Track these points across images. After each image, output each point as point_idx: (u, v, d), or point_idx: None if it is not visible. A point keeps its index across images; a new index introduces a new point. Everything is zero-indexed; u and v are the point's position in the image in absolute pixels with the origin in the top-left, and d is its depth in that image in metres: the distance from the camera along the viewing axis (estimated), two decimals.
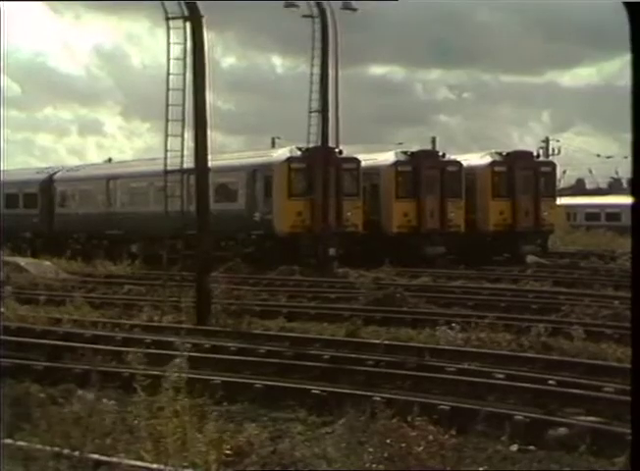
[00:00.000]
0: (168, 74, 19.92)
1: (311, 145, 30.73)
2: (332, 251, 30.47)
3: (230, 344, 14.46)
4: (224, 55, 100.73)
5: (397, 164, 33.75)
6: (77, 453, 7.17)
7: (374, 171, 33.48)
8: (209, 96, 18.58)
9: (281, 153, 33.07)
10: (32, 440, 7.65)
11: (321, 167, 30.47)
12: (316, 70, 30.15)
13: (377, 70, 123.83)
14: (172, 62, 19.83)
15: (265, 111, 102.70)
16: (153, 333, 16.13)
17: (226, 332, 16.21)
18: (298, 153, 31.74)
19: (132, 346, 13.40)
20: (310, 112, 30.22)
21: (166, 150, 20.44)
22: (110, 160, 51.42)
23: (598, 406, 9.68)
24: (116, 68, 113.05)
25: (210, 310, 17.78)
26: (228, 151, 37.96)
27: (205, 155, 18.44)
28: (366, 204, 32.91)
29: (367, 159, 33.56)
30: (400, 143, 56.85)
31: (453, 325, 15.35)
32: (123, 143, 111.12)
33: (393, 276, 26.40)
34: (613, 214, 49.36)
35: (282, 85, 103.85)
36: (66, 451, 7.18)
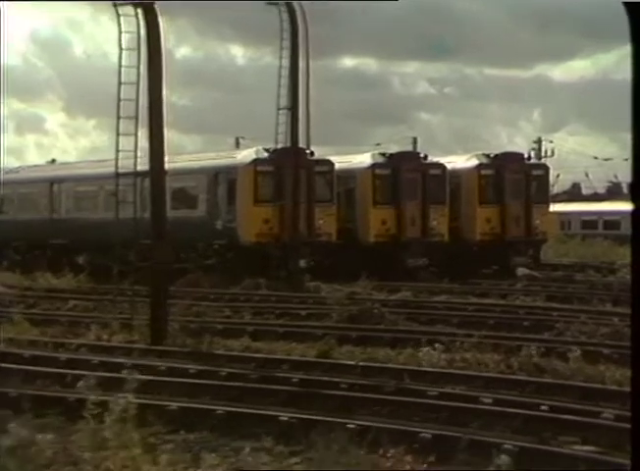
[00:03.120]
0: (120, 66, 19.88)
1: (279, 146, 30.86)
2: (302, 263, 30.64)
3: (188, 366, 14.50)
4: (178, 45, 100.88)
5: (374, 167, 33.92)
6: None
7: (349, 174, 33.68)
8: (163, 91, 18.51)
9: (246, 154, 33.15)
10: None
11: (290, 170, 30.67)
12: (285, 62, 30.33)
13: (348, 62, 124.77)
14: (124, 53, 19.79)
15: (226, 107, 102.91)
16: (101, 353, 16.10)
17: (184, 352, 16.26)
18: (265, 154, 31.86)
19: (77, 369, 13.41)
20: (278, 109, 30.35)
21: (117, 150, 20.36)
22: (54, 161, 51.23)
23: (595, 434, 9.74)
24: (56, 57, 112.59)
25: (166, 329, 17.86)
26: (186, 152, 38.25)
27: (161, 156, 18.45)
28: (340, 211, 33.13)
29: (341, 161, 33.68)
30: (378, 144, 58.43)
31: (436, 344, 15.45)
32: (66, 143, 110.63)
33: (369, 290, 26.60)
34: (611, 222, 49.71)
35: (244, 79, 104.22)
36: None
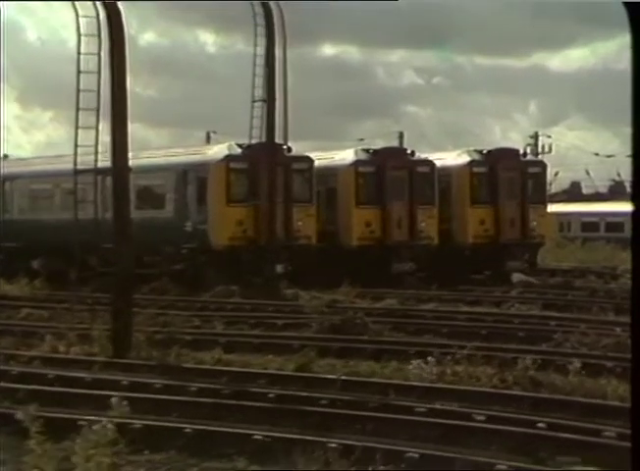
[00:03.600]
0: (78, 53, 19.84)
1: (254, 141, 30.76)
2: (279, 268, 30.61)
3: (154, 381, 14.51)
4: (141, 30, 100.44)
5: (357, 164, 33.87)
6: None
7: (330, 172, 33.61)
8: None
9: (217, 150, 33.03)
10: None
11: (266, 167, 30.56)
12: (259, 50, 30.36)
13: (329, 50, 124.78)
14: (82, 39, 19.80)
15: (196, 99, 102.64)
16: (57, 367, 16.03)
17: (149, 366, 16.28)
18: (239, 150, 31.78)
19: (29, 383, 13.37)
20: (253, 101, 30.32)
21: (76, 145, 20.42)
22: (6, 157, 50.93)
23: (596, 454, 9.79)
24: (8, 43, 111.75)
25: (130, 340, 17.85)
26: (152, 147, 39.09)
27: (125, 152, 18.46)
28: (321, 212, 33.07)
29: (322, 158, 33.67)
30: (362, 139, 59.44)
31: (425, 357, 15.46)
32: (19, 137, 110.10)
33: (352, 298, 26.67)
34: (614, 224, 49.84)
35: (215, 68, 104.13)
36: None
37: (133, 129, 19.27)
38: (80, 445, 7.95)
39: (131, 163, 18.95)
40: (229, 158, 31.70)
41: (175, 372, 15.58)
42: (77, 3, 19.17)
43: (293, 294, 28.03)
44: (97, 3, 18.66)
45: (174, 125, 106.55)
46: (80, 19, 19.42)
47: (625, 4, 5.43)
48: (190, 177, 32.20)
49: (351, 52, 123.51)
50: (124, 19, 18.40)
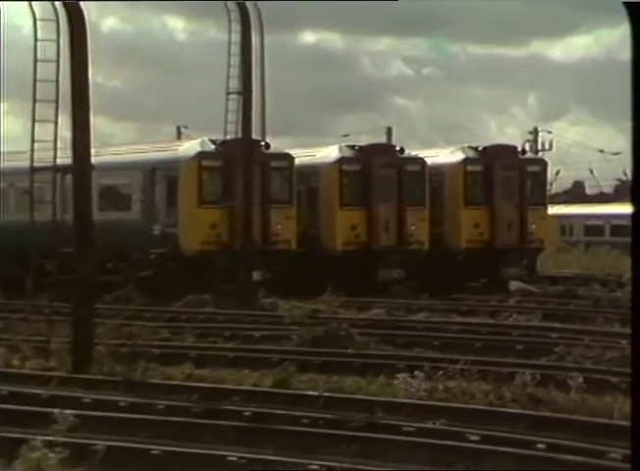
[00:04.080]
0: (35, 40, 19.75)
1: (229, 137, 30.78)
2: (256, 275, 30.49)
3: (118, 398, 14.48)
4: (102, 16, 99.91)
5: (341, 162, 33.87)
6: None
7: (312, 171, 33.65)
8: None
9: (189, 147, 33.09)
10: None
11: (242, 165, 30.51)
12: (234, 37, 30.29)
13: (310, 37, 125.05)
14: (39, 24, 19.69)
15: (165, 91, 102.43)
16: (10, 382, 15.99)
17: (113, 382, 16.24)
18: (212, 147, 31.83)
19: None
20: (228, 93, 30.30)
21: (32, 140, 20.24)
22: None
23: None
24: None
25: (91, 353, 17.76)
26: (117, 143, 38.97)
27: (87, 148, 18.39)
28: (302, 214, 33.16)
29: (303, 155, 33.67)
30: (346, 135, 57.76)
31: (415, 371, 15.45)
32: None
33: (336, 307, 26.62)
34: (619, 227, 49.92)
35: (186, 57, 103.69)
36: None
37: (95, 122, 19.29)
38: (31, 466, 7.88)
39: (93, 160, 18.87)
40: (201, 155, 31.69)
41: (141, 388, 15.56)
42: None
43: (271, 304, 28.01)
44: None
45: (141, 118, 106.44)
46: (35, 4, 19.35)
47: (625, 4, 5.73)
48: (159, 175, 32.14)
49: (334, 40, 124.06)
50: (82, 3, 18.34)
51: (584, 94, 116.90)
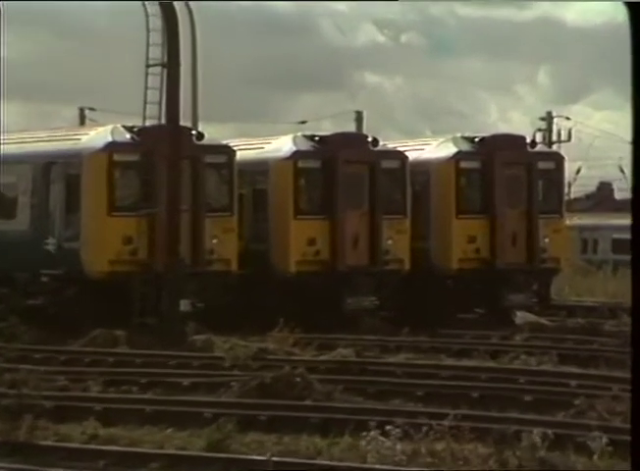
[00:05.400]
0: None
1: (150, 123, 29.61)
2: (185, 305, 29.13)
3: None
4: None
5: (296, 156, 31.89)
6: None
7: (259, 168, 32.22)
8: None
9: (96, 136, 31.07)
10: None
11: (167, 160, 28.82)
12: None
13: None
14: None
15: (63, 62, 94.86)
16: None
17: None
18: (127, 136, 30.00)
19: None
20: (147, 66, 29.12)
21: None
22: None
23: None
24: None
25: None
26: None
27: None
28: (245, 225, 31.90)
29: (247, 148, 32.33)
30: (303, 122, 54.43)
31: (390, 429, 15.16)
32: None
33: (289, 346, 26.07)
34: None
35: (92, 19, 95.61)
36: None
37: None
38: None
39: None
40: (112, 146, 29.80)
41: (28, 453, 15.61)
42: None
43: (204, 342, 27.06)
44: None
45: (33, 98, 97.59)
46: None
47: (626, 4, 7.07)
48: (55, 173, 30.40)
49: None
50: None
51: (610, 70, 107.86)
